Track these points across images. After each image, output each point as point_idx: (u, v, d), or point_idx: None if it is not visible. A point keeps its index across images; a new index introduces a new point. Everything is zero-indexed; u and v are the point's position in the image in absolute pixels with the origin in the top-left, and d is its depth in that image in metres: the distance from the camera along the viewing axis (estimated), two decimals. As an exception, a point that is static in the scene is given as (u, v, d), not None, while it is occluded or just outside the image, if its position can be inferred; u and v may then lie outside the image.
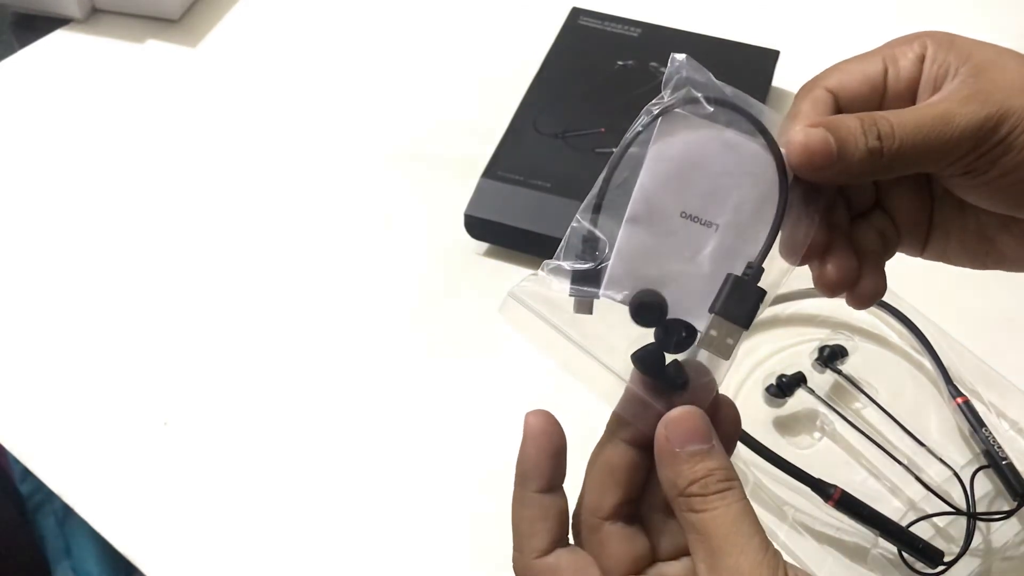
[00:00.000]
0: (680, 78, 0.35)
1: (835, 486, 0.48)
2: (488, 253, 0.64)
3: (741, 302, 0.33)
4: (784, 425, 0.55)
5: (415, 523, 0.52)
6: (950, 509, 0.50)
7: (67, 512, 0.70)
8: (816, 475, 0.49)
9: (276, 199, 0.68)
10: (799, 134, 0.34)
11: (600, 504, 0.35)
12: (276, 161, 0.71)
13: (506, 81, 0.71)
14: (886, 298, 0.58)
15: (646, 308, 0.33)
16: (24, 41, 0.80)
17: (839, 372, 0.56)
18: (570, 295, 0.34)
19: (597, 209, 0.35)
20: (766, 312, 0.59)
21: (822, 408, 0.55)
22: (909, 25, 0.86)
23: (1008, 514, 0.50)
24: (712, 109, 0.34)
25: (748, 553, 0.31)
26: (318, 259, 0.64)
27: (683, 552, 0.35)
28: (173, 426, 0.56)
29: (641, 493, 0.35)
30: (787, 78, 0.73)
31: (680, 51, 0.70)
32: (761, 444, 0.50)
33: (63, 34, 0.80)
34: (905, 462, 0.52)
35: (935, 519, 0.50)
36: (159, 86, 0.76)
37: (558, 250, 0.35)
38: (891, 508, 0.50)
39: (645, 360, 0.33)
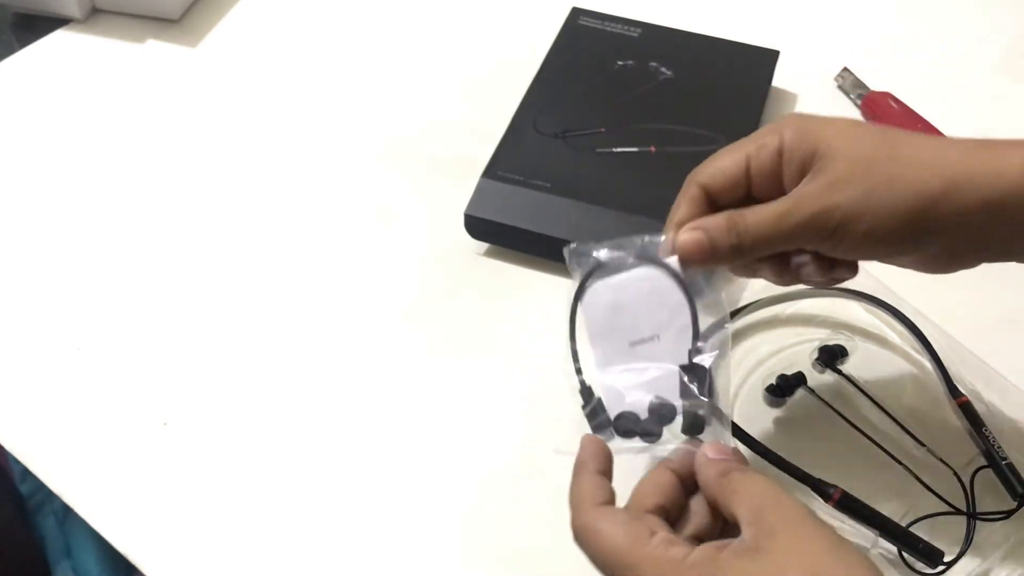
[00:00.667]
0: (579, 259, 0.46)
1: (835, 486, 0.48)
2: (488, 253, 0.65)
3: (696, 381, 0.44)
4: (784, 425, 0.55)
5: (414, 523, 0.52)
6: (950, 509, 0.50)
7: (67, 512, 0.70)
8: (816, 475, 0.49)
9: (276, 199, 0.68)
10: (681, 235, 0.44)
11: (644, 501, 0.41)
12: (276, 161, 0.71)
13: (506, 81, 0.71)
14: (886, 298, 0.58)
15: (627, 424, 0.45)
16: (24, 41, 0.80)
17: (839, 372, 0.56)
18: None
19: (579, 372, 0.46)
20: (766, 312, 0.59)
21: (822, 408, 0.55)
22: (909, 25, 0.86)
23: (1008, 514, 0.50)
24: (607, 259, 0.46)
25: (784, 495, 0.38)
26: (318, 259, 0.64)
27: None
28: (173, 426, 0.56)
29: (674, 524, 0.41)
30: (787, 78, 0.73)
31: (680, 51, 0.74)
32: (761, 444, 0.50)
33: (63, 34, 0.80)
34: (905, 462, 0.52)
35: (935, 519, 0.50)
36: (159, 86, 0.76)
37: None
38: (891, 508, 0.50)
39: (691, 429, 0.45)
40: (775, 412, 0.55)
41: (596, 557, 0.39)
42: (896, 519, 0.49)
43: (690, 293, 0.45)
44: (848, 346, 0.56)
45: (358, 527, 0.52)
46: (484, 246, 0.65)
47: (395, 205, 0.68)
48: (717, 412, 0.44)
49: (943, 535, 0.50)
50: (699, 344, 0.45)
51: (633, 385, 0.45)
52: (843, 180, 0.42)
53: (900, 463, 0.52)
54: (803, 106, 0.74)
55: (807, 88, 0.75)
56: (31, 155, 0.71)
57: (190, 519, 0.52)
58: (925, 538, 0.48)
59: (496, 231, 0.63)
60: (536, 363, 0.58)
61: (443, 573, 0.51)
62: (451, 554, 0.51)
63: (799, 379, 0.55)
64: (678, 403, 0.44)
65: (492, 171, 0.64)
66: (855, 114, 0.74)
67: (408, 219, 0.67)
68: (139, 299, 0.62)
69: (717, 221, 0.44)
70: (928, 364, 0.56)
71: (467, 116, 0.73)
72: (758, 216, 0.43)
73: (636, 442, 0.45)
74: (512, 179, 0.63)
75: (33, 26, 0.81)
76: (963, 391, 0.54)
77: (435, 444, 0.55)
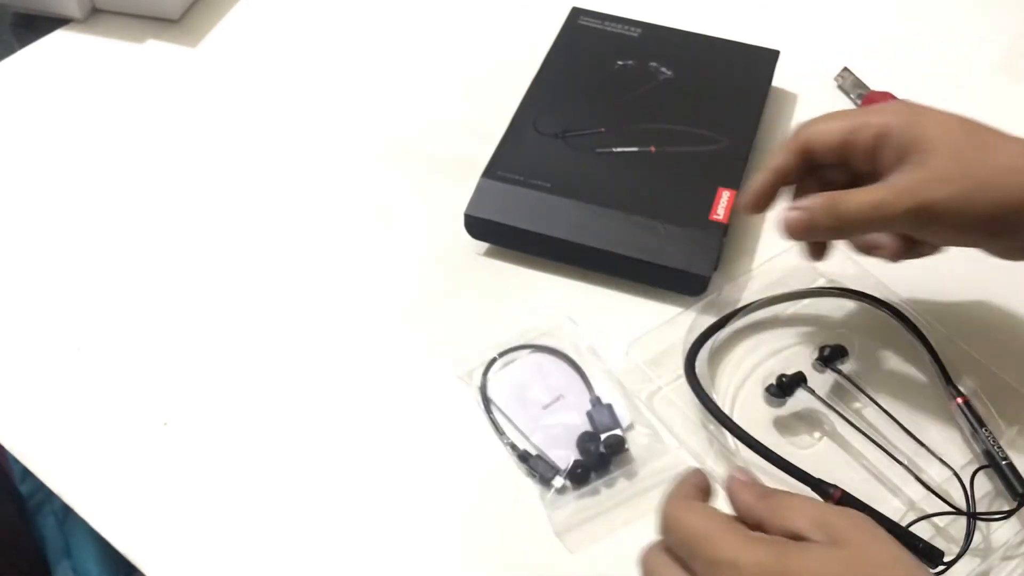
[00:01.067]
0: (476, 362, 0.57)
1: (835, 486, 0.48)
2: (488, 253, 0.65)
3: (603, 416, 0.54)
4: (784, 425, 0.55)
5: (414, 523, 0.52)
6: (950, 509, 0.50)
7: (67, 512, 0.70)
8: (816, 475, 0.49)
9: (276, 199, 0.68)
10: (788, 213, 0.49)
11: None
12: (276, 161, 0.71)
13: (506, 81, 0.71)
14: (886, 298, 0.58)
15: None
16: (24, 41, 0.80)
17: (839, 372, 0.56)
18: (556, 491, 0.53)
19: (513, 447, 0.54)
20: (766, 312, 0.59)
21: (822, 408, 0.55)
22: (909, 25, 0.86)
23: (1008, 514, 0.50)
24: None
25: (845, 508, 0.41)
26: (318, 259, 0.64)
27: None
28: (173, 426, 0.56)
29: None
30: (787, 78, 0.73)
31: (680, 51, 0.75)
32: (761, 444, 0.50)
33: (63, 34, 0.80)
34: (905, 462, 0.52)
35: (935, 519, 0.50)
36: (159, 86, 0.76)
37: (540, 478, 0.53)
38: (891, 508, 0.50)
39: None
40: (775, 412, 0.55)
41: (681, 542, 0.39)
42: (896, 519, 0.49)
43: (573, 361, 0.57)
44: (848, 346, 0.56)
45: (358, 527, 0.52)
46: (484, 246, 0.65)
47: (395, 205, 0.68)
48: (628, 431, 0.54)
49: (943, 535, 0.50)
50: (593, 391, 0.56)
51: (561, 439, 0.54)
52: (940, 178, 0.46)
53: (900, 463, 0.52)
54: (803, 106, 0.74)
55: (807, 88, 0.75)
56: (31, 155, 0.71)
57: (190, 519, 0.52)
58: (925, 538, 0.48)
59: (496, 231, 0.63)
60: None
61: (443, 573, 0.51)
62: (451, 554, 0.51)
63: (799, 379, 0.55)
64: (602, 435, 0.53)
65: (492, 171, 0.64)
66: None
67: (408, 219, 0.67)
68: (139, 299, 0.62)
69: (820, 202, 0.48)
70: (928, 364, 0.56)
71: (467, 116, 0.73)
72: (858, 202, 0.47)
73: (593, 482, 0.53)
74: (512, 179, 0.63)
75: (33, 26, 0.81)
76: (963, 391, 0.54)
77: (435, 444, 0.55)
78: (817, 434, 0.55)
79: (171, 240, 0.66)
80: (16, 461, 0.56)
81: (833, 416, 0.54)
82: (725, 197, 0.62)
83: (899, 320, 0.57)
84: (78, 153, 0.71)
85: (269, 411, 0.57)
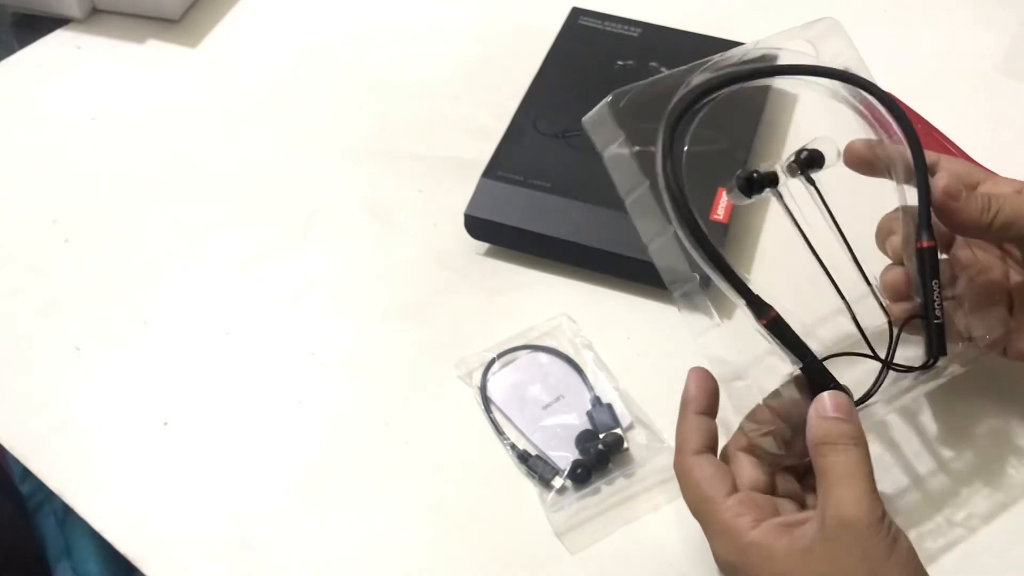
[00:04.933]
0: (474, 362, 0.57)
1: (771, 307, 0.45)
2: (488, 253, 0.65)
3: (603, 415, 0.55)
4: (747, 230, 0.51)
5: (413, 523, 0.52)
6: (868, 353, 0.47)
7: (67, 512, 0.70)
8: (762, 284, 0.45)
9: (276, 199, 0.68)
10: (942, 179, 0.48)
11: (742, 440, 0.46)
12: (276, 160, 0.71)
13: (506, 81, 0.71)
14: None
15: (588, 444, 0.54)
16: (24, 41, 0.80)
17: (811, 181, 0.50)
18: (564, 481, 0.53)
19: (513, 447, 0.54)
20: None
21: (784, 216, 0.49)
22: (910, 26, 0.85)
23: (915, 369, 0.48)
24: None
25: (854, 489, 0.41)
26: (318, 258, 0.64)
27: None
28: (173, 426, 0.56)
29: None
30: (787, 78, 0.73)
31: (679, 51, 0.73)
32: (712, 245, 0.45)
33: (63, 34, 0.80)
34: (848, 297, 0.48)
35: (859, 357, 0.47)
36: (159, 86, 0.76)
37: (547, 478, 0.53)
38: (822, 336, 0.48)
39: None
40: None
41: (686, 501, 0.45)
42: (824, 348, 0.46)
43: (572, 361, 0.57)
44: (829, 155, 0.50)
45: (358, 527, 0.52)
46: (484, 246, 0.65)
47: (395, 205, 0.68)
48: (631, 427, 0.55)
49: (865, 375, 0.48)
50: (593, 390, 0.56)
51: (560, 438, 0.54)
52: None
53: (842, 297, 0.48)
54: (803, 106, 0.74)
55: (807, 88, 0.74)
56: (30, 155, 0.71)
57: (190, 519, 0.52)
58: (847, 374, 0.45)
59: (496, 231, 0.63)
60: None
61: (443, 573, 0.51)
62: (451, 554, 0.51)
63: (771, 179, 0.49)
64: (601, 434, 0.53)
65: (492, 171, 0.64)
66: (855, 114, 0.74)
67: (408, 219, 0.67)
68: (139, 298, 0.62)
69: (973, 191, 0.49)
70: (912, 200, 0.50)
71: (467, 116, 0.73)
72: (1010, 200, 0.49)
73: (592, 482, 0.52)
74: (512, 179, 0.63)
75: (33, 26, 0.81)
76: (934, 236, 0.49)
77: (435, 444, 0.55)
78: (774, 243, 0.51)
79: (171, 240, 0.66)
80: (16, 461, 0.56)
81: (791, 227, 0.49)
82: (725, 197, 0.62)
83: (904, 131, 0.50)
84: (77, 153, 0.71)
85: (269, 411, 0.57)
